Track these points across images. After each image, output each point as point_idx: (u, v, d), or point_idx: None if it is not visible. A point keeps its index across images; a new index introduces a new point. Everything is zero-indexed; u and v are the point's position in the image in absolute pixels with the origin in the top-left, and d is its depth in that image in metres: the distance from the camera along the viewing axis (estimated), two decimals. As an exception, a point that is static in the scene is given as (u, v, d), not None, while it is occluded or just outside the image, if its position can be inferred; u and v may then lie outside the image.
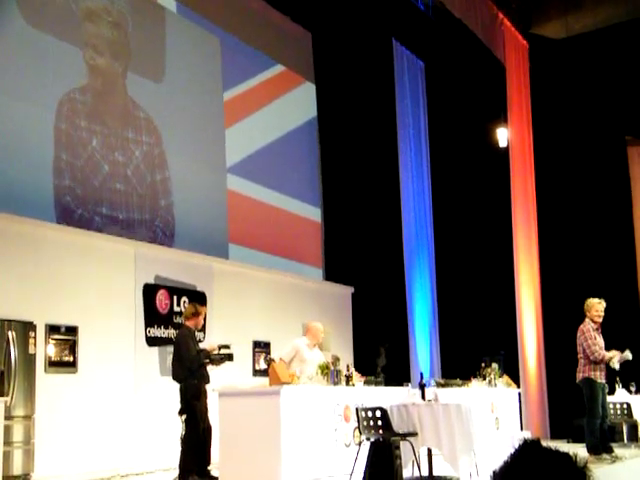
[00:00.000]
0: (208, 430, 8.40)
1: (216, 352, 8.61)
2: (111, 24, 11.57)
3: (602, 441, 9.46)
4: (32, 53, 10.30)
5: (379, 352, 10.02)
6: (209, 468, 8.33)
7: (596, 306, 9.65)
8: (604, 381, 9.57)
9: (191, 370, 8.31)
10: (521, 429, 12.77)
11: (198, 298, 11.76)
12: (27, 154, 10.12)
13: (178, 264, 11.56)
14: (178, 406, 8.40)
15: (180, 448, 8.28)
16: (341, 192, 15.42)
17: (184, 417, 8.25)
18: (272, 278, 13.41)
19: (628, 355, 9.63)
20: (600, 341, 9.58)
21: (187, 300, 11.57)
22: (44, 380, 9.27)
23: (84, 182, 10.78)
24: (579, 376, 9.62)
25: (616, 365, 9.55)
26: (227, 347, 8.77)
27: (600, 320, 9.66)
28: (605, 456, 9.21)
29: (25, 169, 10.06)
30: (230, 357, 8.71)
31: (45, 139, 10.35)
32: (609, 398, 10.62)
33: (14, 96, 10.00)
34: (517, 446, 1.72)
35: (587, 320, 9.65)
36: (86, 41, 11.10)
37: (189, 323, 8.71)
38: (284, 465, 7.80)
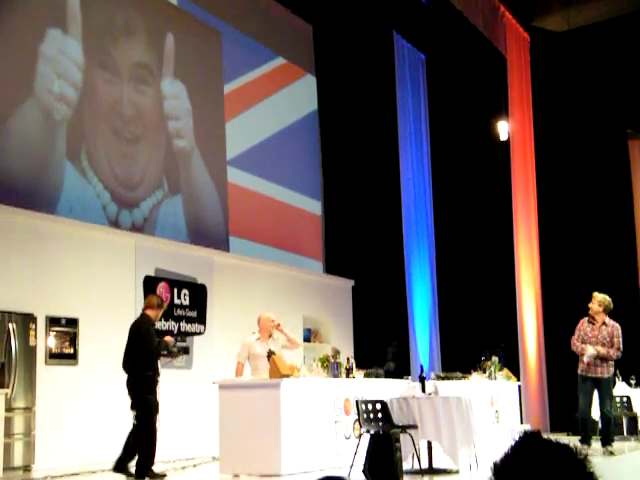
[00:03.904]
0: (155, 425, 8.02)
1: (173, 344, 8.34)
2: (108, 11, 11.54)
3: (584, 431, 9.45)
4: (23, 45, 10.28)
5: (386, 356, 9.96)
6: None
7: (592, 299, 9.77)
8: (580, 372, 9.58)
9: (150, 361, 7.95)
10: (521, 422, 12.79)
11: (199, 291, 11.78)
12: (27, 147, 10.12)
13: (179, 257, 11.56)
14: (129, 400, 7.98)
15: (137, 445, 7.88)
16: (341, 185, 15.41)
17: (135, 411, 7.91)
18: (272, 271, 13.42)
19: (589, 350, 9.54)
20: (590, 334, 9.60)
21: (188, 293, 11.57)
22: (44, 372, 9.29)
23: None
24: None
25: (585, 359, 9.56)
26: (183, 340, 8.68)
27: (590, 312, 9.74)
28: (584, 446, 9.13)
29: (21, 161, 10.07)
30: (186, 350, 8.61)
31: (56, 131, 10.36)
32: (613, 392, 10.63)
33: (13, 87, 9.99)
34: (517, 438, 1.72)
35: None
36: (81, 29, 11.08)
37: (151, 313, 8.17)
38: (284, 457, 7.82)
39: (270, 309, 12.97)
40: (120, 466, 7.93)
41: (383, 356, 10.01)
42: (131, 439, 7.98)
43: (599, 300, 9.71)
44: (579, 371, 9.60)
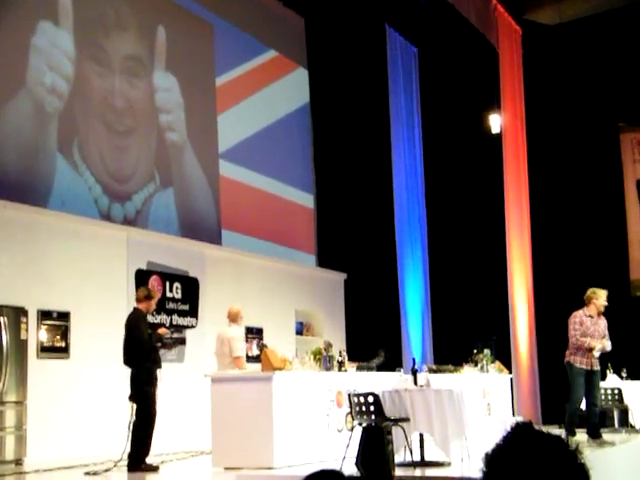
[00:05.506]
0: (153, 418, 8.14)
1: (168, 336, 8.41)
2: (100, 4, 11.49)
3: (571, 424, 9.46)
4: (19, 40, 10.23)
5: (377, 354, 9.98)
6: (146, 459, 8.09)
7: (603, 295, 9.64)
8: (586, 367, 9.49)
9: (143, 354, 8.06)
10: (513, 414, 12.83)
11: (191, 284, 11.76)
12: (18, 140, 10.08)
13: (170, 250, 11.54)
14: (129, 391, 8.12)
15: (131, 436, 7.99)
16: (334, 178, 15.40)
17: (134, 403, 8.00)
18: (265, 264, 13.41)
19: (606, 345, 9.53)
20: (592, 328, 9.55)
21: (180, 286, 11.56)
22: (36, 366, 9.27)
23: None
24: (565, 360, 9.68)
25: (596, 354, 9.50)
26: (179, 331, 8.69)
27: (602, 309, 9.64)
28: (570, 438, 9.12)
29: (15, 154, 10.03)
30: (182, 341, 8.62)
31: (46, 126, 10.32)
32: (601, 384, 10.61)
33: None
34: (509, 429, 1.72)
35: (584, 308, 9.64)
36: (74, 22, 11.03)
37: (141, 306, 8.35)
38: (276, 450, 7.82)
39: (262, 302, 13.01)
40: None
41: (373, 354, 10.05)
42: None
43: (606, 296, 9.65)
44: (580, 365, 9.48)
